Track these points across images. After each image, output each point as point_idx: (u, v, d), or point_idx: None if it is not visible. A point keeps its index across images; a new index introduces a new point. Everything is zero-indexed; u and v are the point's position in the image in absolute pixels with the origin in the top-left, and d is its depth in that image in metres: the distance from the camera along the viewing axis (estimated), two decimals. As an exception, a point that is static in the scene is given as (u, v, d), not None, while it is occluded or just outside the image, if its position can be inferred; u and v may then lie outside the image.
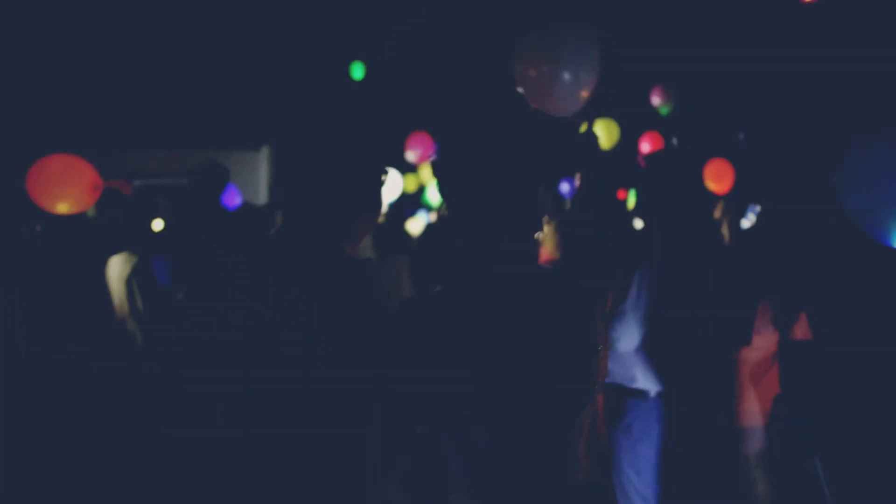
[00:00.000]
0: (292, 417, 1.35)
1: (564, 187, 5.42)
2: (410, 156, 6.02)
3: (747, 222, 3.74)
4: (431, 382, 1.29)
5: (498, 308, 1.31)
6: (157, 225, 4.54)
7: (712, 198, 4.28)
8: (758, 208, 3.71)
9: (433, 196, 6.83)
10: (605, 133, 5.05)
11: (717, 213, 4.32)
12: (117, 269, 3.67)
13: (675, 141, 5.62)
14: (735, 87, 5.66)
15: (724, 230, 4.08)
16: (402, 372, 1.31)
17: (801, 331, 2.54)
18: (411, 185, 7.09)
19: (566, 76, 2.63)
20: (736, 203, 3.77)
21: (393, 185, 6.02)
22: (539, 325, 1.31)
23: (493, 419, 1.28)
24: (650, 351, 2.49)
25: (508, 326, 1.31)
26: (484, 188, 1.32)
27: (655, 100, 5.74)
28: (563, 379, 1.30)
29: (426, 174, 6.51)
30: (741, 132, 5.22)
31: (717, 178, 4.42)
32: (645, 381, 2.51)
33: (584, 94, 2.72)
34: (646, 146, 5.39)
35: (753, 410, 2.64)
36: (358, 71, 6.24)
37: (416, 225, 6.75)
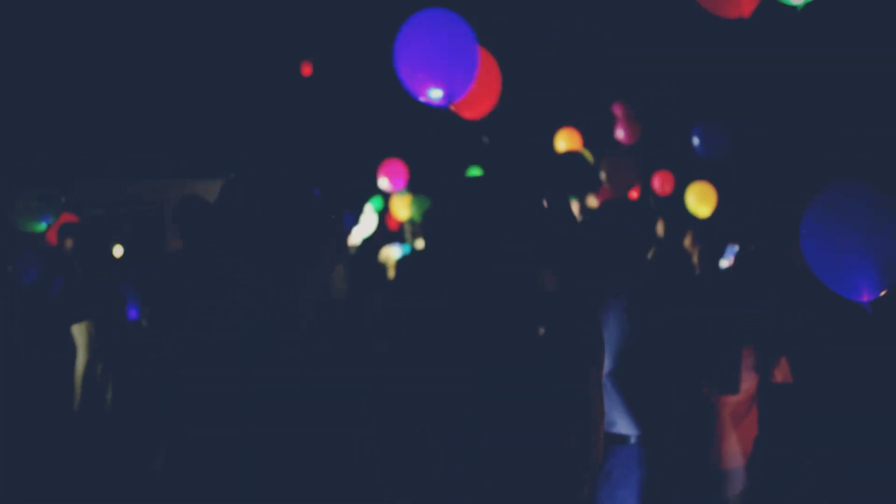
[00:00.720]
0: (292, 418, 1.35)
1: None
2: (384, 183, 5.98)
3: (726, 262, 3.70)
4: (430, 385, 1.28)
5: (496, 320, 1.30)
6: (118, 251, 4.46)
7: (685, 225, 4.17)
8: (736, 248, 3.67)
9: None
10: (569, 142, 5.05)
11: (688, 242, 4.24)
12: (82, 333, 3.59)
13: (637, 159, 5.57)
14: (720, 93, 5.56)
15: (695, 260, 4.02)
16: (402, 374, 1.30)
17: (780, 374, 2.55)
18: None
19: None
20: (712, 232, 3.71)
21: (367, 221, 5.98)
22: (537, 335, 1.30)
23: (491, 425, 1.26)
24: (622, 385, 2.47)
25: (508, 335, 1.29)
26: (487, 266, 1.28)
27: (620, 133, 5.71)
28: (561, 387, 1.28)
29: (398, 203, 6.48)
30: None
31: (700, 200, 4.28)
32: (624, 426, 2.49)
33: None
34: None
35: (734, 452, 2.65)
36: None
37: (390, 253, 6.69)
